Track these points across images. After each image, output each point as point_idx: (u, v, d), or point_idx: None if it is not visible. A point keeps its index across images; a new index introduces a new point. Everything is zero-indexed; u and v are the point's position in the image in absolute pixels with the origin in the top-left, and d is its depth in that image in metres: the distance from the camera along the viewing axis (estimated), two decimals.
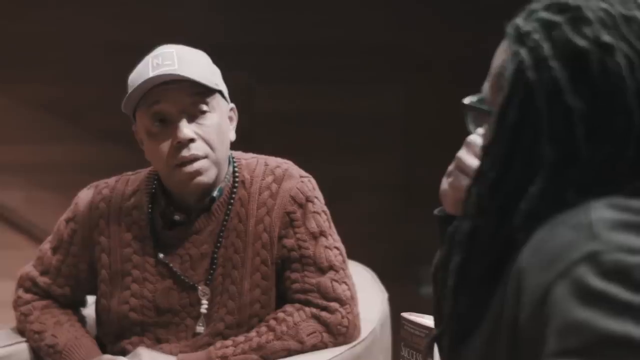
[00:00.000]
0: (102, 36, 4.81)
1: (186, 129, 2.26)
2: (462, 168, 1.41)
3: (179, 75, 2.23)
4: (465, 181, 1.35)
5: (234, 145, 2.42)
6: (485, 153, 1.24)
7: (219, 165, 2.32)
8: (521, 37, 1.22)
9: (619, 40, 1.16)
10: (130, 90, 2.27)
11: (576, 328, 1.03)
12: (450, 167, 1.45)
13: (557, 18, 1.20)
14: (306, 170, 2.43)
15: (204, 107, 2.29)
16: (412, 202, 4.92)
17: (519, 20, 1.24)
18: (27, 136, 4.85)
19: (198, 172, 2.27)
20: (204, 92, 2.28)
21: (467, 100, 1.35)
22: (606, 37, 1.16)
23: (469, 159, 1.39)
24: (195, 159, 2.26)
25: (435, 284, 1.55)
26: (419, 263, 4.57)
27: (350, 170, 4.94)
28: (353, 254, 2.60)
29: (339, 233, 2.42)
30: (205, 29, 4.68)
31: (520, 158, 1.19)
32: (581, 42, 1.17)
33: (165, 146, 2.28)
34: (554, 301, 1.06)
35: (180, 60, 2.27)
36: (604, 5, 1.19)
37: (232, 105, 2.41)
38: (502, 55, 1.27)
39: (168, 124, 2.28)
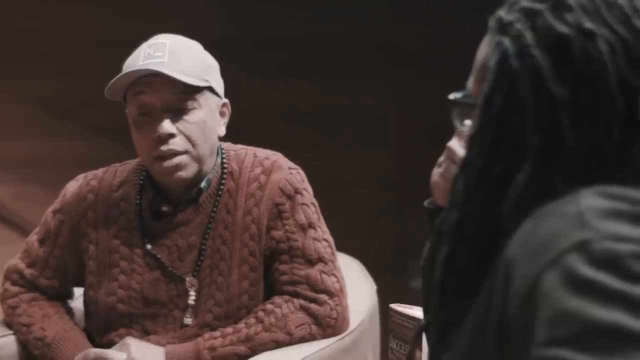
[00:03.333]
0: (93, 31, 4.80)
1: (166, 124, 2.26)
2: (453, 158, 1.40)
3: (163, 72, 2.23)
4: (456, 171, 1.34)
5: (222, 140, 2.41)
6: (471, 143, 1.24)
7: (201, 161, 2.31)
8: (504, 27, 1.22)
9: (601, 26, 1.16)
10: (118, 75, 2.27)
11: (566, 317, 1.02)
12: (441, 158, 1.44)
13: (538, 6, 1.20)
14: (296, 165, 2.43)
15: (189, 104, 2.29)
16: (402, 197, 4.91)
17: (501, 12, 1.24)
18: (16, 132, 4.84)
19: (177, 168, 2.28)
20: (191, 88, 2.28)
21: (452, 96, 1.35)
22: (588, 24, 1.16)
23: (460, 148, 1.38)
24: (173, 154, 2.27)
25: (425, 276, 1.55)
26: (409, 256, 4.56)
27: (340, 165, 4.93)
28: (344, 249, 2.60)
29: (330, 228, 2.42)
30: (195, 22, 4.66)
31: (506, 146, 1.19)
32: (563, 29, 1.16)
33: (147, 138, 2.28)
34: (543, 290, 1.05)
35: (172, 53, 2.27)
36: None
37: (226, 100, 2.40)
38: (485, 48, 1.27)
39: (151, 117, 2.28)
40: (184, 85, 2.26)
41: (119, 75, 2.26)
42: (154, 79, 2.26)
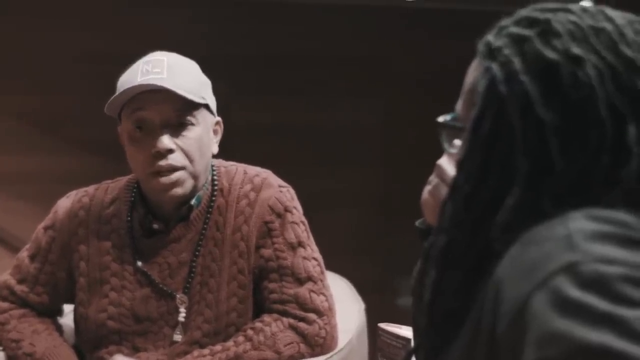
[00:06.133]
0: (80, 46, 4.80)
1: (166, 140, 2.26)
2: (443, 176, 1.41)
3: (164, 87, 2.23)
4: (445, 190, 1.35)
5: (214, 157, 2.41)
6: (460, 167, 1.25)
7: (197, 177, 2.32)
8: (492, 53, 1.22)
9: (589, 52, 1.17)
10: (117, 92, 2.27)
11: (554, 338, 1.02)
12: (432, 176, 1.45)
13: (527, 32, 1.20)
14: (286, 183, 2.43)
15: (188, 120, 2.29)
16: (391, 215, 4.93)
17: (490, 37, 1.25)
18: (4, 147, 4.83)
19: (174, 184, 2.28)
20: (189, 104, 2.28)
21: (441, 119, 1.36)
22: (576, 49, 1.17)
23: (450, 166, 1.39)
24: (172, 169, 2.27)
25: (414, 298, 1.55)
26: (398, 275, 4.58)
27: (328, 183, 4.94)
28: (332, 266, 2.60)
29: (318, 245, 2.42)
30: (183, 40, 4.66)
31: (494, 171, 1.19)
32: (551, 55, 1.17)
33: (145, 153, 2.28)
34: (532, 312, 1.05)
35: (170, 69, 2.27)
36: (572, 18, 1.20)
37: (219, 118, 2.40)
38: (474, 72, 1.28)
39: (149, 132, 2.28)
40: (183, 102, 2.26)
41: (120, 92, 2.25)
42: (153, 95, 2.26)
